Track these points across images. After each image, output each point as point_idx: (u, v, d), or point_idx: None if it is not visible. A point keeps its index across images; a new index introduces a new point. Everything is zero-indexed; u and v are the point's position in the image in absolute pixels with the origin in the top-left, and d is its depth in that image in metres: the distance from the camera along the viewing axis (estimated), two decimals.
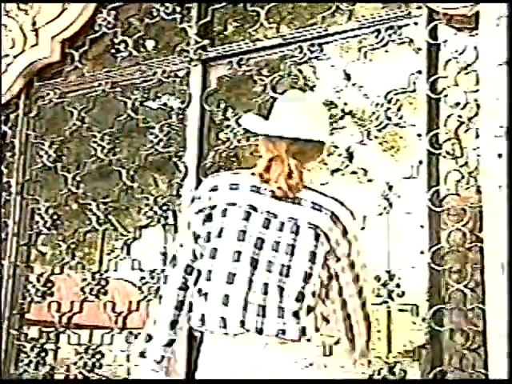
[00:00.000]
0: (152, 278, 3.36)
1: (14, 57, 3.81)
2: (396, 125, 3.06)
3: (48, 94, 3.86)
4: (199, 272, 1.98)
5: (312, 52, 3.29)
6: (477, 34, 2.82)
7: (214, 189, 2.02)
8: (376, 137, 3.12)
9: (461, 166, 2.87)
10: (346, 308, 2.10)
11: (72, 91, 3.82)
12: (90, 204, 3.62)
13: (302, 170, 1.98)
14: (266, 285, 1.91)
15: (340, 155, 3.12)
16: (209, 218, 1.99)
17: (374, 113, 3.07)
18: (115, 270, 3.60)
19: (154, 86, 3.69)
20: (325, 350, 2.77)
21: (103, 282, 3.52)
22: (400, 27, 3.09)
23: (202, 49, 3.50)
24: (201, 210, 2.01)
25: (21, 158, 3.86)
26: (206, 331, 1.95)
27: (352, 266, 2.04)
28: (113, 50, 3.81)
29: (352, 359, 2.18)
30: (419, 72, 2.99)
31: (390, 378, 2.73)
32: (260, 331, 1.89)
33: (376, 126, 3.06)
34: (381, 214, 2.96)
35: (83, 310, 3.57)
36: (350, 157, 3.10)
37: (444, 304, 2.77)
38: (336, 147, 3.06)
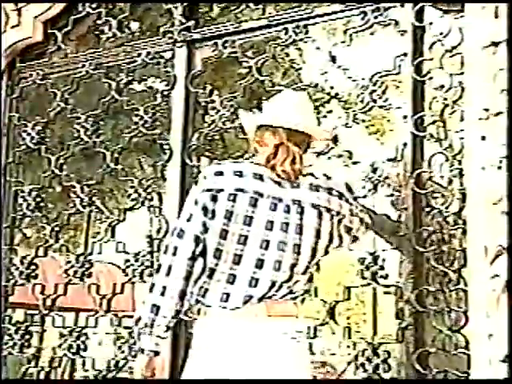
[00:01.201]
0: (136, 260, 3.36)
1: None
2: (381, 107, 3.05)
3: (31, 75, 3.82)
4: (205, 246, 2.11)
5: (297, 34, 3.27)
6: (462, 17, 2.81)
7: (220, 174, 2.18)
8: (363, 120, 3.13)
9: (445, 149, 2.89)
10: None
11: (55, 72, 3.78)
12: (74, 186, 3.59)
13: (302, 155, 2.21)
14: (278, 262, 2.09)
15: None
16: (214, 199, 2.13)
17: (359, 95, 3.06)
18: (99, 253, 3.58)
19: (139, 68, 3.66)
20: (309, 331, 2.78)
21: (87, 265, 3.50)
22: (386, 9, 3.07)
23: (186, 30, 3.47)
24: (208, 190, 2.15)
25: (3, 140, 3.82)
26: (203, 306, 2.11)
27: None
28: (97, 31, 3.77)
29: None
30: (404, 54, 2.98)
31: (374, 360, 2.75)
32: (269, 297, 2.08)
33: (361, 109, 3.06)
34: (365, 197, 2.96)
35: (67, 292, 3.56)
36: (335, 140, 3.09)
37: (428, 286, 2.79)
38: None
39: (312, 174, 2.24)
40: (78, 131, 3.63)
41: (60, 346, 3.48)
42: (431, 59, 2.93)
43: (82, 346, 3.44)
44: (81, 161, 3.89)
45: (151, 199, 3.46)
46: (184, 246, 2.10)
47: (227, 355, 2.04)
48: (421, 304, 2.75)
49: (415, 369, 2.70)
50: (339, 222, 2.24)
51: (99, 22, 3.73)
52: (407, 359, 2.78)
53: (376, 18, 3.10)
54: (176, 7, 3.54)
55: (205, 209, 2.12)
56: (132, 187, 3.47)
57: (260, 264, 2.09)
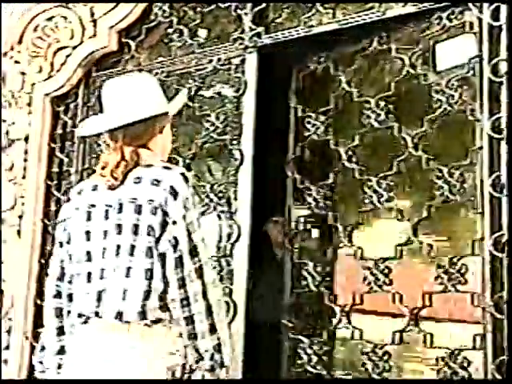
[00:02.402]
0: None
1: (73, 48, 3.87)
2: (458, 111, 3.00)
3: None
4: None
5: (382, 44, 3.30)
6: None
7: (80, 192, 2.14)
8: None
9: None
10: (185, 289, 1.97)
11: None
12: None
13: (138, 152, 2.04)
14: (128, 269, 1.96)
15: None
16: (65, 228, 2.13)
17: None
18: None
19: (210, 74, 3.70)
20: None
21: None
22: (461, 12, 3.02)
23: (256, 36, 3.50)
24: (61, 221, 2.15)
25: (80, 147, 3.94)
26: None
27: (189, 233, 1.97)
28: (169, 39, 3.83)
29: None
30: (478, 56, 2.92)
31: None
32: (118, 316, 1.93)
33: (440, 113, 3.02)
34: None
35: None
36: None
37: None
38: None
39: (150, 165, 2.05)
40: None
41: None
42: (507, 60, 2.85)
43: None
44: None
45: (223, 204, 3.49)
46: (48, 285, 2.16)
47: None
48: (499, 311, 2.68)
49: (494, 377, 2.63)
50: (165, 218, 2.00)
51: (170, 30, 3.81)
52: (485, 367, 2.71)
53: (450, 21, 3.05)
54: (246, 14, 3.57)
55: (60, 243, 2.13)
56: (204, 192, 3.51)
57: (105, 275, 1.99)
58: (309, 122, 3.54)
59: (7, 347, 3.78)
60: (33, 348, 3.74)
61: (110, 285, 1.97)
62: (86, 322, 1.99)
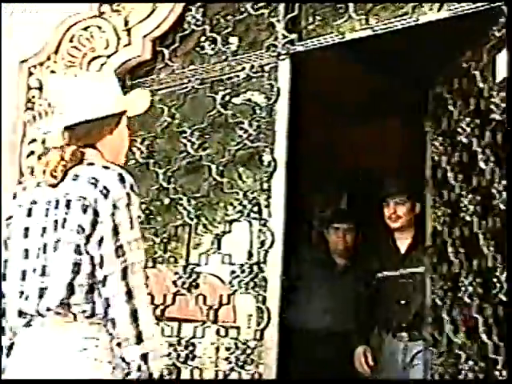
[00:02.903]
0: (242, 271, 3.40)
1: (108, 57, 3.92)
2: None
3: None
4: None
5: None
6: None
7: (24, 188, 2.16)
8: None
9: None
10: (105, 289, 1.93)
11: (163, 88, 3.90)
12: (181, 199, 3.69)
13: (83, 151, 2.04)
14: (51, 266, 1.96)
15: None
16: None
17: None
18: (206, 264, 3.64)
19: (242, 82, 3.72)
20: None
21: (195, 276, 3.58)
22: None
23: (290, 43, 3.50)
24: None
25: None
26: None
27: (116, 233, 1.94)
28: (201, 47, 3.86)
29: None
30: None
31: None
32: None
33: None
34: None
35: (175, 303, 3.65)
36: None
37: None
38: None
39: (91, 164, 2.04)
40: (185, 145, 3.73)
41: (169, 354, 3.56)
42: None
43: (190, 356, 3.51)
44: (187, 174, 3.98)
45: (256, 211, 3.50)
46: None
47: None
48: None
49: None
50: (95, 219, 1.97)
51: (203, 38, 3.83)
52: None
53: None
54: (278, 21, 3.58)
55: (5, 241, 2.11)
56: (237, 199, 3.52)
57: (45, 272, 1.97)
58: None
59: None
60: None
61: (50, 282, 1.96)
62: (29, 322, 1.99)
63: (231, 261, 3.47)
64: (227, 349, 3.40)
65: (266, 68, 3.58)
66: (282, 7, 3.59)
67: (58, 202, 2.01)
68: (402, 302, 3.70)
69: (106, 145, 2.11)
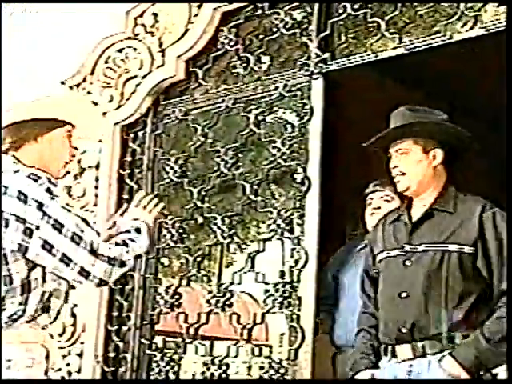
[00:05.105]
0: (276, 290, 3.39)
1: (142, 77, 3.98)
2: None
3: (173, 111, 4.00)
4: None
5: None
6: None
7: None
8: None
9: None
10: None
11: (196, 108, 3.94)
12: (215, 218, 3.70)
13: (14, 153, 1.99)
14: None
15: None
16: None
17: None
18: (239, 283, 3.64)
19: (275, 101, 3.73)
20: None
21: (228, 295, 3.58)
22: None
23: (323, 62, 3.52)
24: None
25: (149, 174, 4.02)
26: None
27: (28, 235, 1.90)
28: (234, 67, 3.89)
29: None
30: None
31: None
32: None
33: None
34: None
35: (209, 321, 3.65)
36: None
37: None
38: None
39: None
40: (218, 164, 3.75)
41: (203, 373, 3.56)
42: None
43: (223, 376, 3.50)
44: (220, 193, 4.01)
45: (289, 230, 3.49)
46: None
47: None
48: None
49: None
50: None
51: (236, 57, 3.86)
52: None
53: None
54: (311, 40, 3.60)
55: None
56: (270, 218, 3.53)
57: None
58: None
59: (79, 370, 3.86)
60: (103, 371, 3.82)
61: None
62: None
63: (265, 279, 3.47)
64: (261, 368, 3.39)
65: (299, 87, 3.59)
66: (314, 26, 3.61)
67: None
68: None
69: (26, 153, 2.04)
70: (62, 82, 4.07)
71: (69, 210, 1.95)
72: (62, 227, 1.91)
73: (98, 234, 1.99)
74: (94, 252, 1.93)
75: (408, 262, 2.41)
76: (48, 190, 1.94)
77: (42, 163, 2.06)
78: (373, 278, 2.58)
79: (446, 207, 2.45)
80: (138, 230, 2.08)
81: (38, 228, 1.91)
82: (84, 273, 1.94)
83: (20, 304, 1.93)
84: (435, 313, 2.30)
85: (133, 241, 2.04)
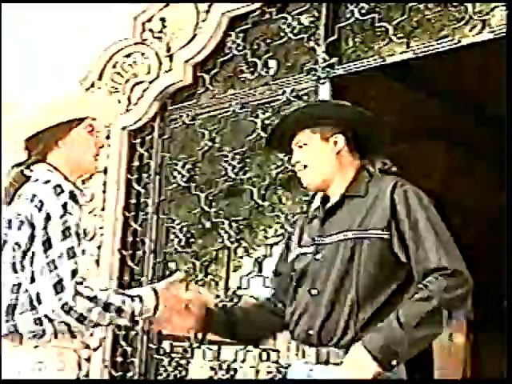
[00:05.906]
0: None
1: (150, 82, 3.99)
2: None
3: (181, 116, 4.01)
4: None
5: None
6: None
7: None
8: None
9: None
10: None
11: (204, 113, 3.95)
12: (222, 223, 3.70)
13: (31, 169, 2.01)
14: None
15: None
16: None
17: None
18: (247, 288, 3.64)
19: (283, 105, 3.73)
20: None
21: (236, 299, 3.58)
22: None
23: (330, 67, 3.51)
24: None
25: (156, 179, 4.03)
26: None
27: (49, 244, 1.89)
28: (242, 71, 3.90)
29: None
30: None
31: None
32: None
33: None
34: None
35: None
36: None
37: None
38: None
39: (36, 180, 2.01)
40: (226, 169, 3.76)
41: (210, 378, 3.56)
42: None
43: (231, 380, 3.50)
44: (228, 197, 4.01)
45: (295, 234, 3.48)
46: None
47: None
48: None
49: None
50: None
51: (244, 62, 3.87)
52: None
53: None
54: (318, 45, 3.60)
55: None
56: (278, 223, 3.53)
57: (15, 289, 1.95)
58: None
59: (87, 375, 3.86)
60: (111, 376, 3.82)
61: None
62: None
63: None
64: (268, 372, 3.38)
65: (306, 91, 3.59)
66: (321, 31, 3.61)
67: (9, 221, 2.00)
68: None
69: (55, 158, 2.05)
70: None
71: (69, 235, 1.93)
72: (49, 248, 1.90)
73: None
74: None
75: (318, 256, 2.10)
76: (64, 206, 1.93)
77: (71, 166, 2.07)
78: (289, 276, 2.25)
79: (357, 192, 2.14)
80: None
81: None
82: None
83: (35, 324, 1.93)
84: (343, 314, 2.00)
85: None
